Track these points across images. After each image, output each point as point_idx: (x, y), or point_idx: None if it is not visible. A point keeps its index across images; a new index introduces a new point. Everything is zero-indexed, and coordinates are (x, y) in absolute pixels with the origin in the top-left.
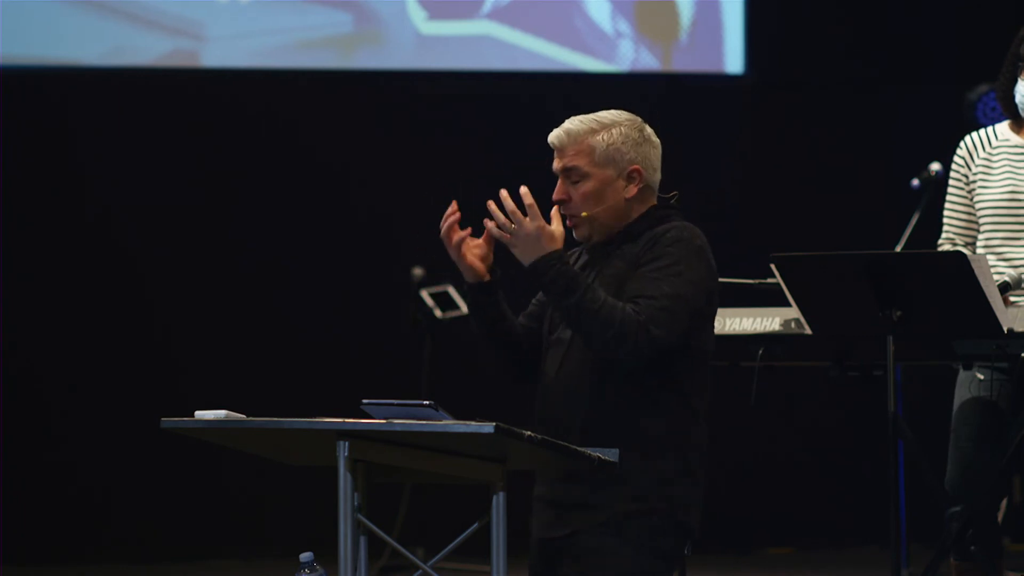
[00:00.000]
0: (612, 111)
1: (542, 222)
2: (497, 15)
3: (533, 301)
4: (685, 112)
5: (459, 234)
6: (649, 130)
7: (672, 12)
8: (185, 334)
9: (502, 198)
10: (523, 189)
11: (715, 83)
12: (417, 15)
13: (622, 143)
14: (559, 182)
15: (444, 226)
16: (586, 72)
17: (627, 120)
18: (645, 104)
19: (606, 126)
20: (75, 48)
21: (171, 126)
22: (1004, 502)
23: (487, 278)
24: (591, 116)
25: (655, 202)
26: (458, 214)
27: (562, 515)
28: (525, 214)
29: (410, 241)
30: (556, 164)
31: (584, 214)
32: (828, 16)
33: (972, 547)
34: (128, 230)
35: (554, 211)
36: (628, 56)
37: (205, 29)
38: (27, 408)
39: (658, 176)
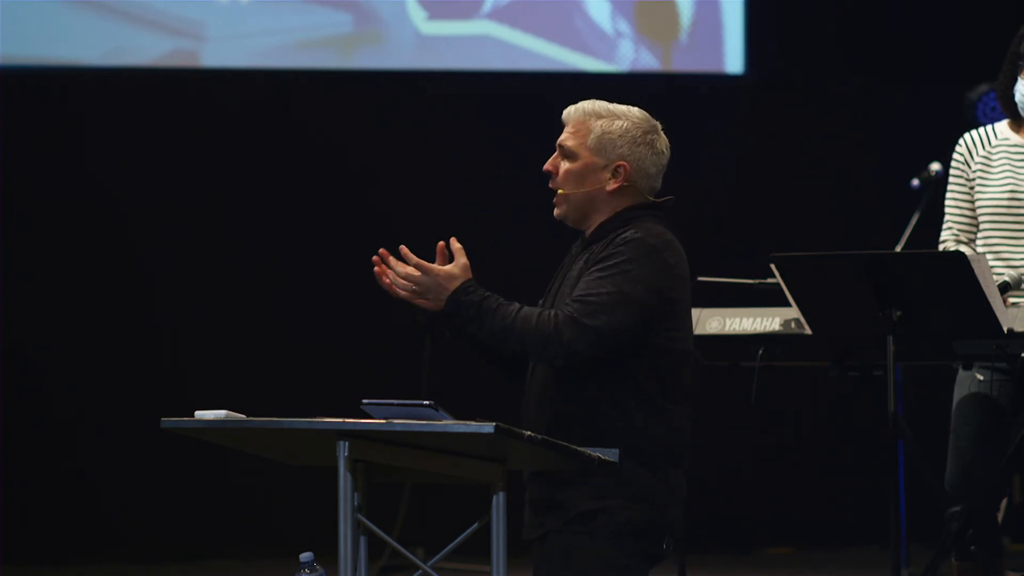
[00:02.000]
0: (631, 107)
1: (435, 268)
2: (497, 15)
3: (540, 301)
4: (685, 112)
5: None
6: (656, 137)
7: (672, 12)
8: (185, 334)
9: (404, 255)
10: (402, 249)
11: (715, 83)
12: (417, 15)
13: (619, 136)
14: (555, 154)
15: (382, 280)
16: (586, 72)
17: (637, 118)
18: (645, 104)
19: (612, 116)
20: (75, 48)
21: (171, 126)
22: (1004, 502)
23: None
24: (606, 104)
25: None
26: (381, 265)
27: (535, 516)
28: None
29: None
30: (560, 137)
31: (560, 191)
32: (828, 16)
33: (972, 547)
34: (128, 230)
35: (457, 246)
36: (628, 56)
37: (205, 29)
38: (28, 408)
39: (652, 183)
